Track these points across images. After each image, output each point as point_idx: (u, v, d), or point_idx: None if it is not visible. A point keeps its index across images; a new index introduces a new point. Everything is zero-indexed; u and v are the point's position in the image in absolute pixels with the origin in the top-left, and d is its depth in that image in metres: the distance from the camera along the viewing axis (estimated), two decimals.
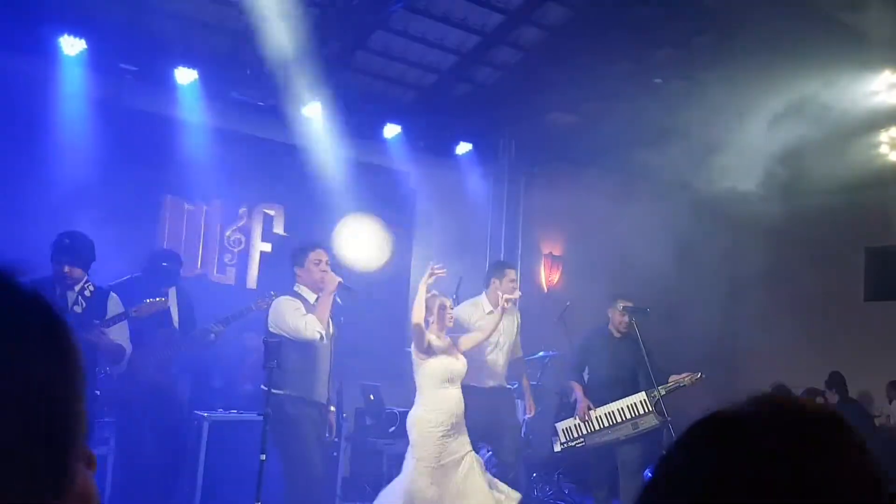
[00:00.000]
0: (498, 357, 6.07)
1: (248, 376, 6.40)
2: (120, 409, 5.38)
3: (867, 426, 7.83)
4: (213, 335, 5.85)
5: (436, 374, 5.29)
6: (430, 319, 5.40)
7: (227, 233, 7.97)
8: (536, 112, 8.99)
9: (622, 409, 6.23)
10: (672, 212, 8.90)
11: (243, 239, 8.05)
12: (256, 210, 8.13)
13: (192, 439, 5.91)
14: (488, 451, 6.18)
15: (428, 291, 5.37)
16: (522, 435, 7.13)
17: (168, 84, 7.07)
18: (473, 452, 5.36)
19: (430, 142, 8.85)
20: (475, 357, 5.71)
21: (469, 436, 5.36)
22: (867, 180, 8.76)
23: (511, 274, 6.30)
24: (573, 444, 6.38)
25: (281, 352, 4.84)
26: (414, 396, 5.46)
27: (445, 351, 5.38)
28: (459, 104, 8.91)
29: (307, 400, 5.11)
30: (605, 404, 6.29)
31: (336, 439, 6.44)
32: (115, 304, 5.06)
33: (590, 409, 6.31)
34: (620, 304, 6.38)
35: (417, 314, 5.30)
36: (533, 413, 6.52)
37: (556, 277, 10.19)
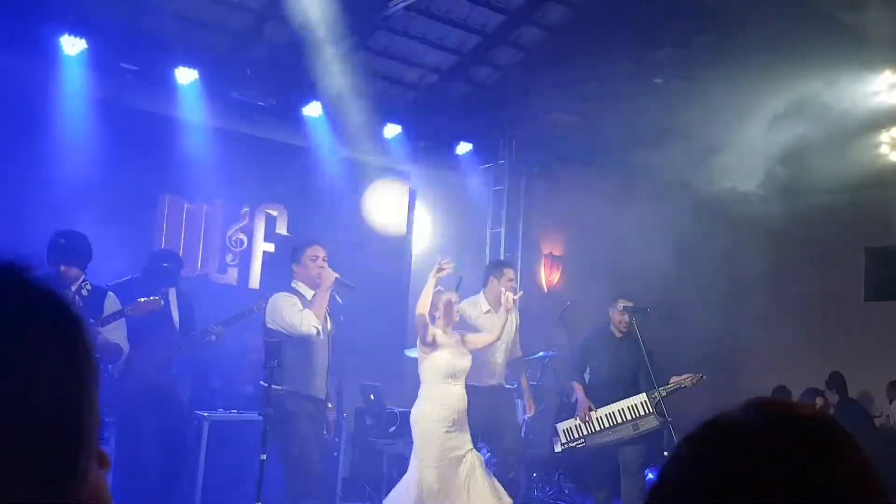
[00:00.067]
0: (497, 356, 6.06)
1: (248, 376, 6.39)
2: (120, 409, 5.38)
3: (867, 426, 7.82)
4: (213, 336, 5.85)
5: (439, 369, 5.30)
6: (437, 314, 5.40)
7: (229, 233, 7.97)
8: (536, 112, 8.99)
9: (623, 409, 6.23)
10: (672, 212, 8.91)
11: (245, 239, 8.05)
12: (259, 210, 8.14)
13: (192, 439, 5.91)
14: (488, 452, 6.17)
15: (434, 286, 5.37)
16: (522, 435, 7.13)
17: (168, 84, 7.07)
18: (475, 450, 5.36)
19: (430, 142, 8.85)
20: (475, 356, 5.70)
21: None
22: (867, 180, 8.75)
23: (509, 273, 6.28)
24: (574, 444, 6.37)
25: (281, 352, 4.85)
26: (414, 396, 5.46)
27: (450, 346, 5.38)
28: (459, 104, 8.91)
29: (304, 395, 5.12)
30: (606, 405, 6.28)
31: (336, 439, 6.44)
32: (112, 304, 5.06)
33: (590, 409, 6.30)
34: (621, 304, 6.37)
35: (422, 306, 5.30)
36: (532, 413, 6.51)
37: (556, 277, 10.20)
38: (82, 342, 0.71)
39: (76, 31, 6.50)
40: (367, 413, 7.39)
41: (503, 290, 5.95)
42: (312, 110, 7.80)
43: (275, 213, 8.23)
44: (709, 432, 0.82)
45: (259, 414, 5.03)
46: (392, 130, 8.38)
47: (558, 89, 8.29)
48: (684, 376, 6.16)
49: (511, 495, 5.51)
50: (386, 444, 7.06)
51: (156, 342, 5.56)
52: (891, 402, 9.14)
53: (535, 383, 7.37)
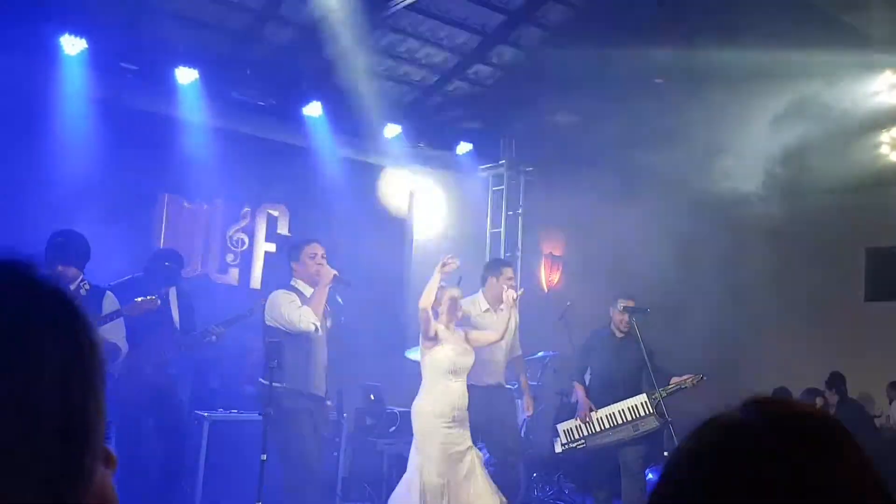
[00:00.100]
0: (497, 355, 6.04)
1: (248, 376, 6.39)
2: (119, 408, 5.38)
3: (867, 426, 7.82)
4: (213, 337, 5.85)
5: (441, 365, 5.30)
6: (439, 310, 5.40)
7: (229, 232, 7.98)
8: (536, 112, 8.99)
9: (623, 410, 6.22)
10: (672, 212, 8.90)
11: (247, 239, 8.06)
12: (260, 210, 8.15)
13: (192, 439, 5.91)
14: (488, 453, 6.16)
15: (439, 281, 5.37)
16: (522, 435, 7.12)
17: (168, 84, 7.08)
18: (475, 448, 5.36)
19: (430, 142, 8.85)
20: (475, 354, 5.70)
21: None
22: (868, 181, 8.75)
23: (508, 272, 6.25)
24: (574, 445, 6.37)
25: (282, 351, 4.86)
26: (415, 396, 5.46)
27: (453, 342, 5.38)
28: (459, 104, 8.91)
29: (304, 392, 5.13)
30: (607, 405, 6.28)
31: (336, 439, 6.44)
32: (110, 303, 5.06)
33: (591, 410, 6.30)
34: (621, 304, 6.37)
35: (426, 300, 5.29)
36: (531, 412, 6.51)
37: (556, 277, 10.20)
38: (88, 341, 0.70)
39: (76, 31, 6.50)
40: (367, 413, 7.38)
41: (505, 287, 5.94)
42: (312, 110, 7.81)
43: (276, 214, 8.25)
44: (708, 432, 0.82)
45: (259, 414, 5.04)
46: (392, 130, 8.38)
47: (558, 89, 8.28)
48: (685, 377, 6.15)
49: (510, 496, 5.50)
50: (386, 444, 7.06)
51: (156, 342, 5.56)
52: (891, 402, 9.13)
53: (535, 383, 7.37)
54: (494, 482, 5.35)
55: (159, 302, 5.24)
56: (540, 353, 7.67)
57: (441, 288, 5.40)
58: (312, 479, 5.12)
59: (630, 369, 6.26)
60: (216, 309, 6.21)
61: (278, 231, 8.19)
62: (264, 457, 4.80)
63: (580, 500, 7.48)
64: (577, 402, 6.47)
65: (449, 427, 5.20)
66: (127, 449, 5.45)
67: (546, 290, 10.01)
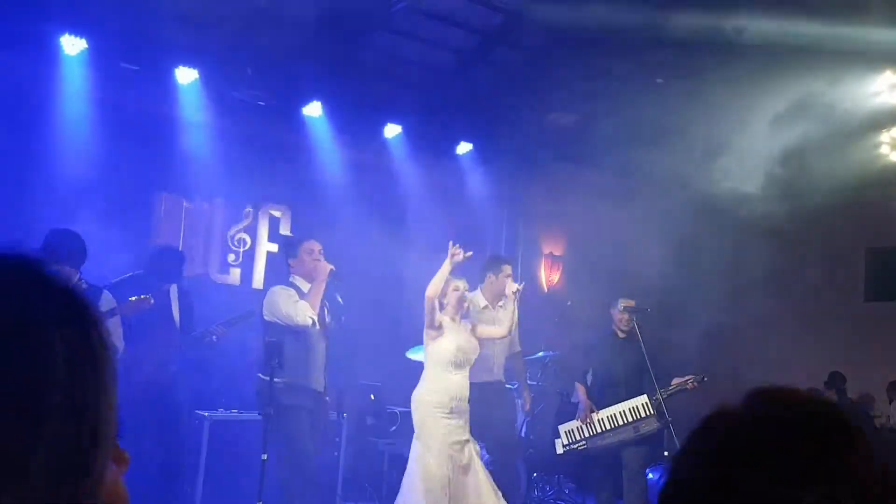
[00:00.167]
0: (496, 350, 6.03)
1: (249, 376, 6.39)
2: (119, 408, 5.37)
3: (867, 426, 7.82)
4: (214, 337, 5.86)
5: (443, 356, 5.29)
6: (445, 302, 5.40)
7: (231, 232, 7.99)
8: (536, 112, 8.99)
9: (624, 412, 6.22)
10: (672, 212, 8.90)
11: (249, 239, 8.07)
12: (262, 210, 8.16)
13: (192, 439, 5.91)
14: (487, 454, 6.14)
15: (449, 271, 5.37)
16: (523, 434, 7.12)
17: (169, 84, 7.08)
18: (473, 442, 5.35)
19: (430, 142, 8.85)
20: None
21: None
22: (868, 181, 8.76)
23: (507, 269, 6.23)
24: (575, 446, 6.36)
25: (282, 351, 4.89)
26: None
27: (458, 334, 5.37)
28: (459, 104, 8.90)
29: (302, 387, 5.16)
30: (609, 405, 6.28)
31: (336, 439, 6.44)
32: (107, 302, 5.07)
33: (592, 411, 6.29)
34: (621, 304, 6.38)
35: (433, 288, 5.29)
36: (529, 408, 6.51)
37: (556, 277, 10.20)
38: (98, 337, 0.69)
39: (77, 31, 6.50)
40: (367, 413, 7.39)
41: (507, 282, 5.92)
42: (312, 110, 7.81)
43: (278, 214, 8.26)
44: (711, 430, 0.81)
45: (259, 414, 5.04)
46: (392, 130, 8.38)
47: (558, 89, 8.29)
48: (686, 378, 6.15)
49: (510, 496, 5.50)
50: (386, 444, 7.06)
51: (156, 340, 5.56)
52: (891, 402, 9.14)
53: (535, 383, 7.37)
54: (494, 482, 5.34)
55: (153, 301, 5.24)
56: (540, 353, 7.67)
57: (447, 280, 5.40)
58: (308, 477, 5.13)
59: (631, 370, 6.26)
60: (219, 309, 6.22)
61: (280, 231, 8.20)
62: (265, 456, 4.80)
63: (580, 500, 7.48)
64: (577, 402, 6.47)
65: (447, 417, 5.20)
66: (126, 448, 5.44)
67: (546, 290, 10.01)
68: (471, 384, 5.51)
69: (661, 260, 8.43)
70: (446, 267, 5.32)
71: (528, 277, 9.49)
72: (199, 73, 7.08)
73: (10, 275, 0.68)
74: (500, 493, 5.29)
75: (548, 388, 7.72)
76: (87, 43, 6.54)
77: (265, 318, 5.26)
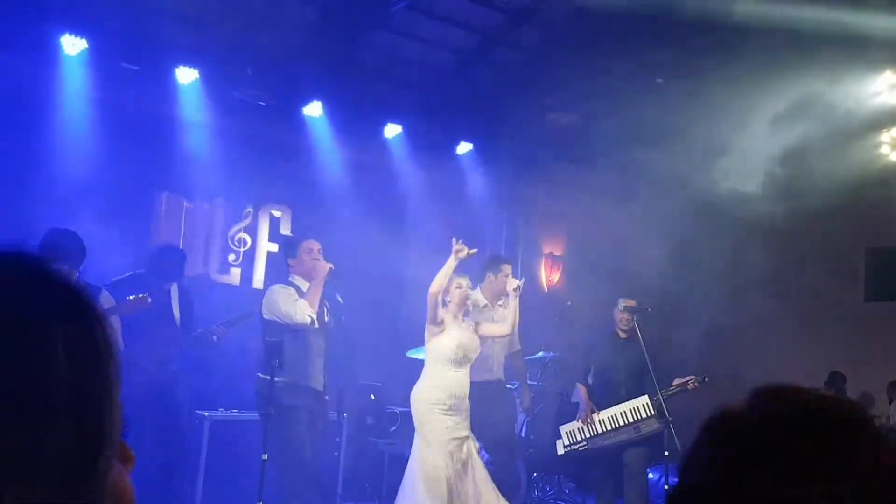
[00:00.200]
0: (494, 350, 6.02)
1: (249, 375, 6.39)
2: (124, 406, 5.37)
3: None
4: (215, 337, 5.86)
5: (444, 352, 5.30)
6: (448, 299, 5.40)
7: (231, 232, 7.99)
8: (536, 112, 8.99)
9: (625, 412, 6.22)
10: (672, 212, 8.90)
11: (249, 239, 8.08)
12: (263, 210, 8.16)
13: (192, 439, 5.91)
14: (487, 454, 6.14)
15: (453, 267, 5.37)
16: (523, 434, 7.11)
17: (169, 84, 7.08)
18: (472, 439, 5.35)
19: (430, 142, 8.85)
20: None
21: None
22: (868, 181, 8.75)
23: (506, 269, 6.22)
24: (576, 447, 6.36)
25: (283, 351, 4.89)
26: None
27: (460, 332, 5.37)
28: (459, 104, 8.91)
29: (301, 386, 5.16)
30: (610, 405, 6.28)
31: (336, 439, 6.44)
32: (106, 301, 5.07)
33: (593, 412, 6.29)
34: (622, 304, 6.37)
35: (437, 284, 5.29)
36: (528, 404, 6.50)
37: (556, 277, 10.20)
38: (101, 335, 0.68)
39: (77, 31, 6.50)
40: (367, 413, 7.39)
41: (506, 281, 5.92)
42: (313, 110, 7.81)
43: (278, 214, 8.26)
44: (716, 432, 0.81)
45: (259, 413, 5.04)
46: (392, 130, 8.38)
47: (558, 89, 8.29)
48: (687, 378, 6.15)
49: (510, 496, 5.50)
50: (386, 444, 7.06)
51: (157, 339, 5.56)
52: (891, 402, 9.14)
53: (535, 383, 7.36)
54: (494, 482, 5.34)
55: (150, 300, 5.24)
56: (540, 354, 7.66)
57: (451, 277, 5.40)
58: (307, 477, 5.13)
59: (633, 370, 6.25)
60: (219, 309, 6.22)
61: (281, 231, 8.21)
62: (265, 456, 4.80)
63: (580, 499, 7.48)
64: (578, 402, 6.47)
65: (446, 414, 5.20)
66: None
67: (546, 290, 10.01)
68: (470, 383, 5.52)
69: (661, 260, 8.43)
70: (451, 263, 5.31)
71: (528, 277, 9.46)
72: (200, 73, 7.08)
73: (10, 272, 0.67)
74: (498, 491, 5.29)
75: (548, 388, 7.72)
76: (88, 43, 6.54)
77: (264, 316, 5.28)
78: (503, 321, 5.75)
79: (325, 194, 8.00)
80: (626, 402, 6.23)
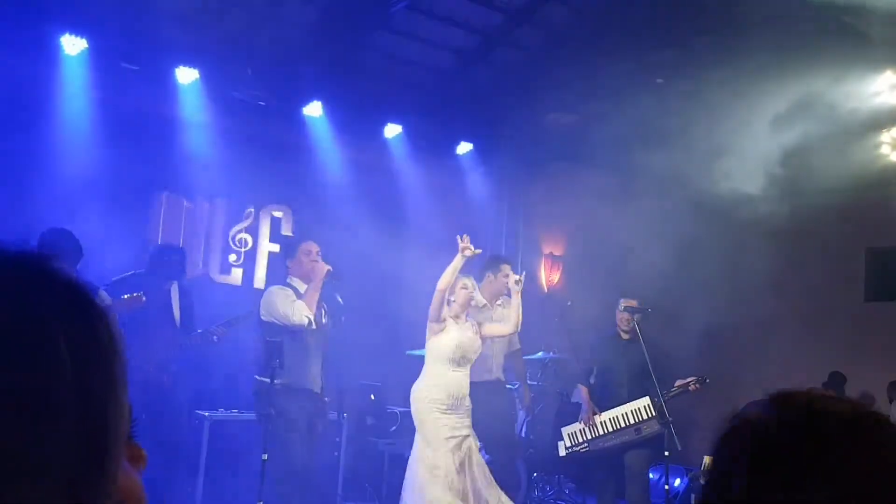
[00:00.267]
0: (493, 350, 6.01)
1: (249, 375, 6.39)
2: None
3: None
4: (215, 337, 5.86)
5: (444, 351, 5.29)
6: (452, 298, 5.40)
7: (232, 232, 7.99)
8: (536, 112, 8.99)
9: (626, 413, 6.21)
10: (673, 212, 8.90)
11: (250, 239, 8.08)
12: (264, 211, 8.16)
13: (192, 439, 5.91)
14: (487, 454, 6.13)
15: (460, 266, 5.35)
16: (523, 434, 7.11)
17: (169, 84, 7.08)
18: (473, 438, 5.35)
19: (430, 142, 8.85)
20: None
21: None
22: (869, 181, 8.74)
23: (506, 269, 6.20)
24: (578, 448, 6.35)
25: (283, 351, 4.89)
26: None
27: (462, 332, 5.37)
28: (459, 104, 8.91)
29: (299, 388, 5.16)
30: (612, 406, 6.27)
31: (336, 439, 6.44)
32: (102, 301, 5.06)
33: (594, 413, 6.28)
34: (623, 304, 6.37)
35: (444, 282, 5.29)
36: (528, 403, 6.50)
37: (556, 277, 10.19)
38: (106, 333, 0.67)
39: (77, 31, 6.50)
40: (367, 413, 7.39)
41: (506, 281, 5.91)
42: (313, 110, 7.81)
43: (280, 215, 8.27)
44: (737, 441, 0.80)
45: (258, 415, 5.04)
46: (392, 130, 8.38)
47: (558, 89, 8.28)
48: (688, 379, 6.13)
49: (510, 496, 5.49)
50: (386, 444, 7.06)
51: (157, 339, 5.56)
52: (891, 402, 9.13)
53: (535, 383, 7.36)
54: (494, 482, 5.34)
55: (144, 299, 5.24)
56: (540, 354, 7.67)
57: (457, 277, 5.40)
58: (304, 479, 5.13)
59: (634, 371, 6.24)
60: (217, 309, 6.22)
61: (282, 232, 8.21)
62: (265, 456, 4.80)
63: (581, 500, 7.48)
64: (579, 402, 6.46)
65: (444, 413, 5.20)
66: None
67: (546, 290, 10.01)
68: (470, 383, 5.51)
69: (661, 260, 8.43)
70: (458, 261, 5.31)
71: (528, 277, 9.48)
72: (200, 73, 7.08)
73: (11, 271, 0.66)
74: (500, 489, 5.30)
75: (548, 388, 7.72)
76: (88, 43, 6.54)
77: (262, 318, 5.28)
78: (505, 320, 5.73)
79: (324, 194, 8.00)
80: (628, 404, 6.22)
